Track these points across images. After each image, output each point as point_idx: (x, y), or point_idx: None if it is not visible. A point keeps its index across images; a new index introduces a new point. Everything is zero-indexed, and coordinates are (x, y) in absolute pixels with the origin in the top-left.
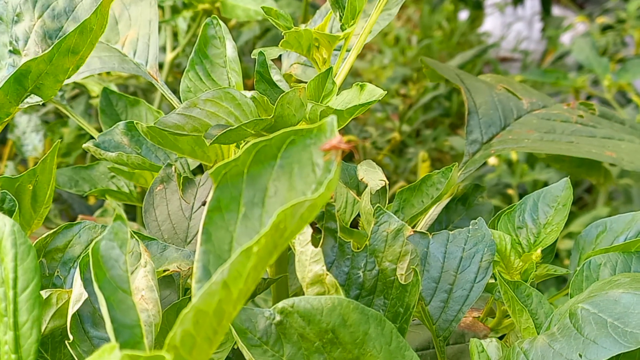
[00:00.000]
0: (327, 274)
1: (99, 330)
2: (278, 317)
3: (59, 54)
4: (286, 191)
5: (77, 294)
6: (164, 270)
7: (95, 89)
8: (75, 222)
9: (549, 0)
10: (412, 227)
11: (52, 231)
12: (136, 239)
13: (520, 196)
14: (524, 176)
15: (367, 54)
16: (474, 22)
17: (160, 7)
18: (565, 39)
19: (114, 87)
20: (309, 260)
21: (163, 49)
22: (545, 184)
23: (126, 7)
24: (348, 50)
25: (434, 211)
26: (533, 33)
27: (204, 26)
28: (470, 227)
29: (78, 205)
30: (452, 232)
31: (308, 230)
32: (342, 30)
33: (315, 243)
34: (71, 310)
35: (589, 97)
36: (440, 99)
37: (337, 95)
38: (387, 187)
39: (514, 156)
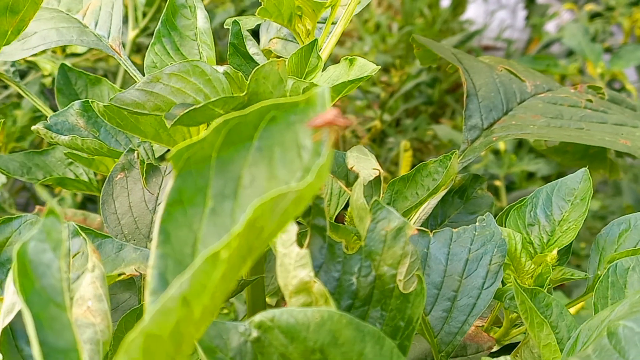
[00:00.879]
0: (314, 281)
1: None
2: (255, 333)
3: None
4: (265, 180)
5: (9, 304)
6: (119, 274)
7: (47, 66)
8: (15, 216)
9: None
10: None
11: None
12: (83, 237)
13: (507, 188)
14: (512, 167)
15: (346, 41)
16: (456, 10)
17: None
18: (550, 27)
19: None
20: (294, 264)
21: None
22: (532, 176)
23: None
24: (334, 23)
25: (429, 204)
26: (517, 21)
27: None
28: (477, 224)
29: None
30: (456, 230)
31: (293, 229)
32: None
33: (300, 243)
34: (1, 324)
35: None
36: (422, 87)
37: (322, 71)
38: (381, 177)
39: (501, 146)
